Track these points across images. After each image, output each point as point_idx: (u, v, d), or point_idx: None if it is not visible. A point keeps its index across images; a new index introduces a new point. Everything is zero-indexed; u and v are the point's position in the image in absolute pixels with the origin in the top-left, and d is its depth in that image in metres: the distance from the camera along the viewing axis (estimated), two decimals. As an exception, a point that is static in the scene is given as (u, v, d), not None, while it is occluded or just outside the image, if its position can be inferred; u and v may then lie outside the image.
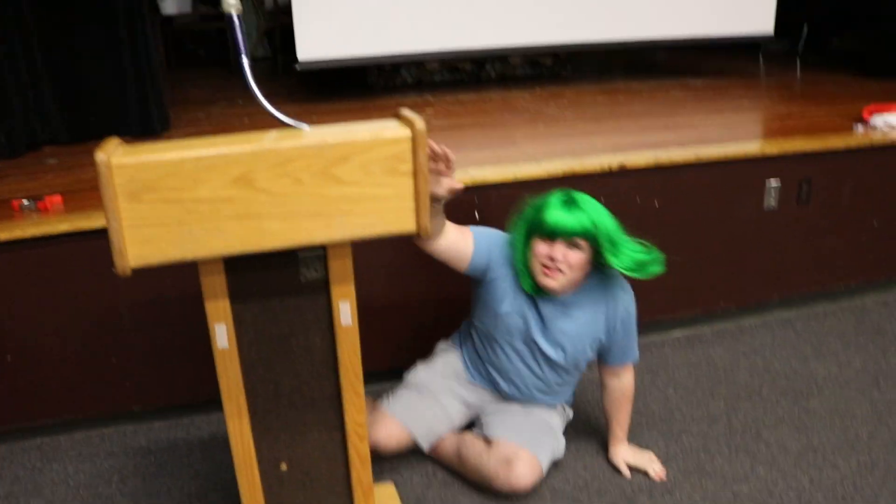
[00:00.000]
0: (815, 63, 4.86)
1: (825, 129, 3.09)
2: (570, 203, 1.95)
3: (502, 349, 2.14)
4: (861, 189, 3.04)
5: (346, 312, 1.51)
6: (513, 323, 2.09)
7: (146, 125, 3.16)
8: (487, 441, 2.11)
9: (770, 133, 3.13)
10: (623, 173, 2.62)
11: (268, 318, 1.52)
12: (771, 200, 2.90)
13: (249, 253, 1.34)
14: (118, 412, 2.46)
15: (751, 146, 2.82)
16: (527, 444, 2.07)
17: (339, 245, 1.45)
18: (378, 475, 2.18)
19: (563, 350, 2.10)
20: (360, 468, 1.67)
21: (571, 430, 2.37)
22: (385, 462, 2.24)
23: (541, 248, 1.96)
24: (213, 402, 1.58)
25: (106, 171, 1.23)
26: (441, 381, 2.25)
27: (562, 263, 1.94)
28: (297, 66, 3.71)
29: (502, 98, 3.92)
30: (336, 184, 1.32)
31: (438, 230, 1.91)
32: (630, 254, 1.97)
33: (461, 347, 2.32)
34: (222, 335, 1.49)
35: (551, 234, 1.93)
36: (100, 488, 2.18)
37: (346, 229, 1.35)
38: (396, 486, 2.12)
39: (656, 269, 1.99)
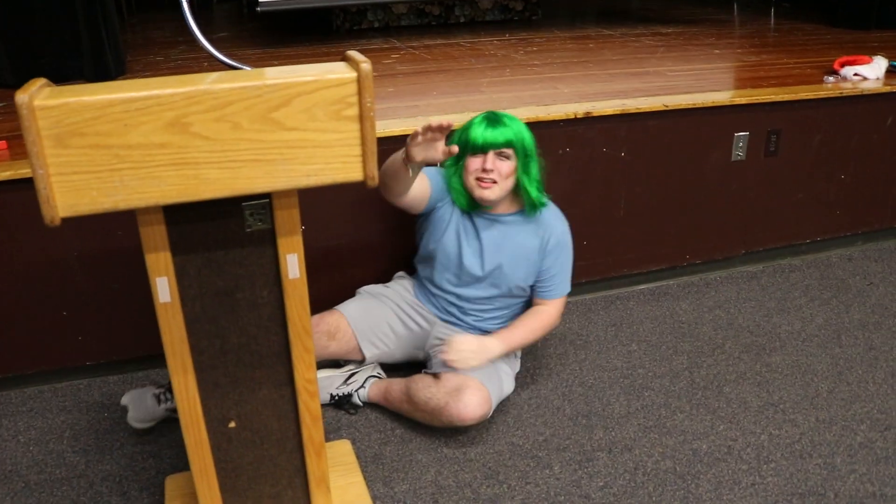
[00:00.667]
0: (790, 12, 4.80)
1: (796, 80, 3.04)
2: (494, 119, 2.09)
3: (442, 273, 2.23)
4: (830, 142, 3.01)
5: (293, 265, 1.45)
6: (449, 241, 2.19)
7: (100, 69, 3.03)
8: (436, 376, 2.09)
9: (740, 83, 3.07)
10: (589, 121, 2.56)
11: (212, 270, 1.45)
12: (739, 152, 2.86)
13: (188, 202, 1.27)
14: (70, 366, 2.39)
15: (719, 96, 2.77)
16: (475, 375, 2.06)
17: (284, 194, 1.38)
18: (335, 432, 2.15)
19: (491, 265, 2.17)
20: (311, 425, 1.63)
21: (530, 383, 2.35)
22: (343, 419, 2.20)
23: (474, 163, 2.09)
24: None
25: (28, 114, 1.14)
26: (392, 293, 2.34)
27: (494, 173, 2.07)
28: (259, 8, 3.57)
29: (470, 44, 3.82)
30: (278, 129, 1.24)
31: (409, 186, 2.01)
32: (535, 175, 2.14)
33: (414, 276, 2.41)
34: (164, 289, 1.43)
35: (482, 148, 2.07)
36: (51, 444, 2.12)
37: (289, 177, 1.28)
38: (353, 442, 2.08)
39: (543, 205, 2.18)
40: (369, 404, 2.25)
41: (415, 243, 2.36)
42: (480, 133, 2.06)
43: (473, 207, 2.16)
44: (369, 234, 2.51)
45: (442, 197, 2.18)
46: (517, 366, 2.33)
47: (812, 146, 3.00)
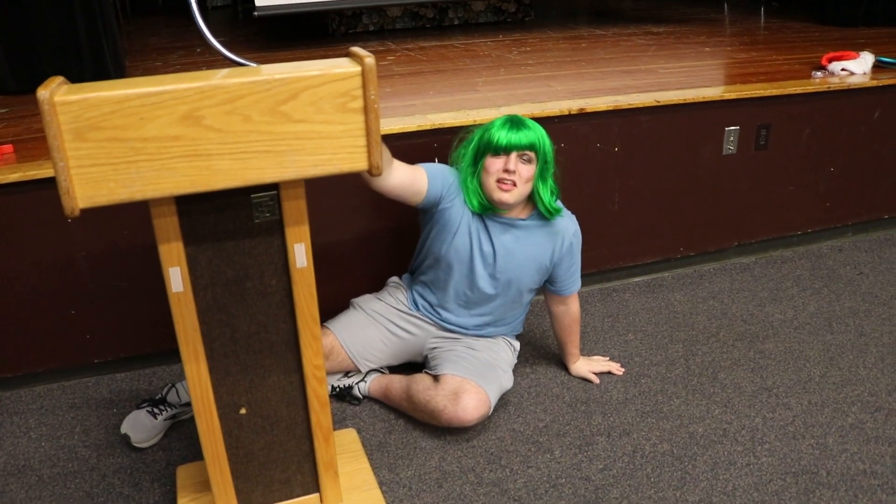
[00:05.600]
0: (778, 11, 4.87)
1: (785, 76, 3.11)
2: (517, 122, 2.09)
3: (449, 275, 2.21)
4: (818, 135, 3.08)
5: (300, 254, 1.50)
6: (462, 245, 2.16)
7: (100, 74, 3.09)
8: (435, 378, 2.14)
9: (730, 79, 3.14)
10: (582, 117, 2.62)
11: (222, 260, 1.50)
12: (729, 146, 2.92)
13: (200, 193, 1.32)
14: (79, 364, 2.43)
15: (710, 91, 2.83)
16: (473, 377, 2.10)
17: (291, 186, 1.44)
18: (340, 422, 2.20)
19: (503, 276, 2.19)
20: (320, 411, 1.68)
21: (530, 373, 2.40)
22: (347, 409, 2.25)
23: (495, 164, 2.07)
24: (174, 352, 1.56)
25: (49, 109, 1.19)
26: (384, 307, 2.32)
27: (516, 175, 2.05)
28: (256, 13, 3.63)
29: (464, 45, 3.88)
30: (286, 121, 1.30)
31: (386, 167, 1.97)
32: (550, 182, 2.14)
33: (409, 282, 2.39)
34: (177, 278, 1.48)
35: (505, 149, 2.05)
36: (62, 440, 2.17)
37: (297, 167, 1.34)
38: (359, 431, 2.13)
39: (558, 213, 2.19)
40: (369, 398, 2.30)
41: (409, 248, 2.38)
42: (504, 135, 2.04)
43: (486, 210, 2.14)
44: (364, 237, 2.56)
45: (450, 195, 2.14)
46: (517, 345, 2.38)
47: (801, 140, 3.06)
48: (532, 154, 2.06)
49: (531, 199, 2.16)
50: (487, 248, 2.17)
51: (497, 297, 2.23)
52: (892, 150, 3.27)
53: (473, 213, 2.15)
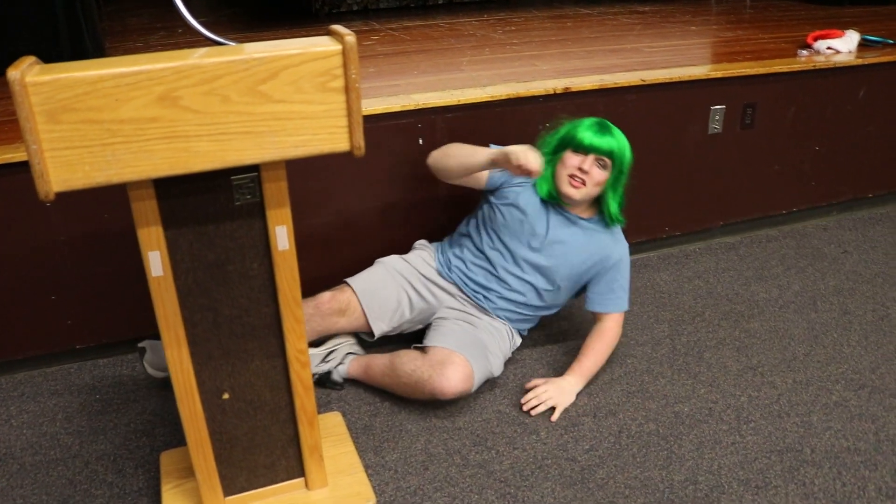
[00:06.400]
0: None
1: (771, 55, 3.10)
2: (604, 127, 2.17)
3: (495, 243, 2.27)
4: (803, 114, 3.07)
5: (282, 237, 1.48)
6: (518, 218, 2.25)
7: (79, 56, 3.03)
8: (423, 351, 2.14)
9: (716, 58, 3.12)
10: (567, 96, 2.60)
11: (203, 244, 1.48)
12: (715, 125, 2.91)
13: (178, 175, 1.30)
14: (60, 350, 2.41)
15: (696, 70, 2.82)
16: (462, 351, 2.10)
17: (272, 167, 1.42)
18: (325, 406, 2.19)
19: (545, 258, 2.23)
20: (304, 395, 1.67)
21: (516, 354, 2.40)
22: (332, 393, 2.24)
23: (573, 159, 2.16)
24: (157, 337, 1.55)
25: (20, 90, 1.16)
26: (407, 268, 2.34)
27: (588, 176, 2.14)
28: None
29: (449, 25, 3.84)
30: (265, 101, 1.27)
31: (466, 158, 2.17)
32: (620, 194, 2.24)
33: (441, 246, 2.43)
34: (156, 262, 1.46)
35: (585, 150, 2.14)
36: (44, 427, 2.14)
37: (277, 149, 1.31)
38: (344, 415, 2.12)
39: (620, 222, 2.29)
40: (349, 380, 2.29)
41: (434, 217, 2.48)
42: (589, 136, 2.13)
43: (552, 198, 2.23)
44: (388, 206, 2.55)
45: (510, 181, 2.28)
46: (518, 341, 2.36)
47: (787, 118, 3.05)
48: (609, 161, 2.15)
49: (598, 203, 2.26)
50: (542, 229, 2.23)
51: (542, 251, 2.24)
52: (877, 129, 3.27)
53: (540, 198, 2.24)
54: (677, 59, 3.01)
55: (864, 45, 3.26)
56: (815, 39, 3.21)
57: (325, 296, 2.23)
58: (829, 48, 3.15)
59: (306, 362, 1.64)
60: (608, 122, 2.20)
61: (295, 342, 1.60)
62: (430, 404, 2.17)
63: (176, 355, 1.55)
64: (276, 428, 1.71)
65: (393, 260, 2.38)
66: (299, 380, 1.65)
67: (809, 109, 3.08)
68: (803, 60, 3.03)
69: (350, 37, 1.28)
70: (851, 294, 2.77)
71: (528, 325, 2.38)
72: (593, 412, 2.15)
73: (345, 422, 2.07)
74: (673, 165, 2.93)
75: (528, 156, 1.94)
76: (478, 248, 2.30)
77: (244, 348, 1.60)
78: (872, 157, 3.33)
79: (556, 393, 2.17)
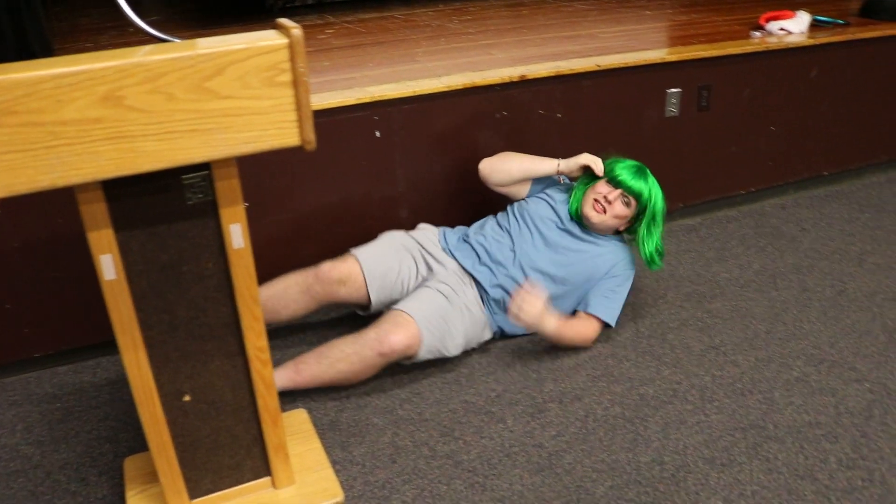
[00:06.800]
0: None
1: (724, 37, 3.12)
2: (642, 171, 2.38)
3: (524, 223, 2.41)
4: (758, 95, 3.10)
5: (237, 235, 1.46)
6: (547, 204, 2.45)
7: (25, 58, 2.94)
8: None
9: (671, 41, 3.14)
10: (524, 84, 2.60)
11: (156, 245, 1.46)
12: (672, 108, 2.93)
13: (127, 176, 1.27)
14: (18, 360, 2.36)
15: (651, 54, 2.83)
16: (417, 316, 2.12)
17: (223, 165, 1.40)
18: (290, 403, 2.17)
19: (567, 257, 2.37)
20: (266, 394, 1.65)
21: (483, 347, 2.39)
22: (298, 392, 2.22)
23: (602, 187, 2.36)
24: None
25: (-44, 94, 1.13)
26: (410, 241, 2.42)
27: (610, 206, 2.32)
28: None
29: (405, 16, 3.82)
30: (212, 98, 1.25)
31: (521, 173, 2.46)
32: (656, 238, 2.39)
33: (444, 229, 2.52)
34: (108, 266, 1.43)
35: (616, 184, 2.34)
36: (3, 439, 2.10)
37: (227, 146, 1.29)
38: (309, 412, 2.11)
39: (656, 265, 2.42)
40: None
41: (395, 211, 2.52)
42: (624, 175, 2.34)
43: (576, 216, 2.41)
44: (347, 201, 2.54)
45: (545, 187, 2.52)
46: (488, 334, 2.37)
47: (742, 100, 3.09)
48: (633, 201, 2.34)
49: (628, 240, 2.48)
50: (565, 215, 2.41)
51: (545, 261, 2.34)
52: (830, 108, 3.32)
53: (568, 211, 2.43)
54: (632, 44, 3.02)
55: (815, 26, 3.30)
56: (768, 21, 3.25)
57: (326, 265, 2.27)
58: (781, 29, 3.19)
59: (267, 360, 1.62)
60: (647, 169, 2.39)
61: (254, 340, 1.59)
62: (397, 397, 2.16)
63: (133, 359, 1.52)
64: (239, 428, 1.69)
65: (397, 234, 2.44)
66: (261, 378, 1.63)
67: (764, 90, 3.11)
68: (756, 42, 3.06)
69: (296, 30, 1.27)
70: (810, 271, 2.81)
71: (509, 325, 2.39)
72: (559, 398, 2.16)
73: (310, 418, 2.06)
74: (631, 149, 2.93)
75: (597, 160, 2.35)
76: (501, 227, 2.43)
77: (203, 349, 1.58)
78: (826, 135, 3.38)
79: (536, 315, 2.18)
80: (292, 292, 2.27)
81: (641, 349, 2.37)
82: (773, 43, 3.05)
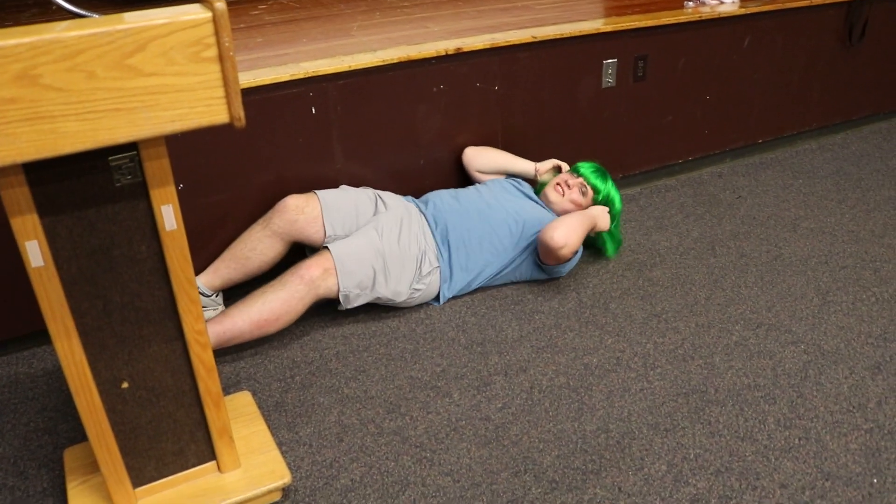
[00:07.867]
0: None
1: (659, 7, 3.14)
2: (603, 172, 2.70)
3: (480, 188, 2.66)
4: (693, 64, 3.14)
5: (169, 216, 1.43)
6: (508, 184, 2.70)
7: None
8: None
9: (606, 11, 3.15)
10: (460, 57, 2.58)
11: (84, 229, 1.41)
12: (609, 79, 2.94)
13: (49, 158, 1.23)
14: (-52, 352, 2.29)
15: (587, 25, 2.84)
16: (334, 250, 2.25)
17: (151, 144, 1.35)
18: (235, 385, 2.14)
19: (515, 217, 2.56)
20: (207, 377, 1.62)
21: (425, 318, 2.40)
22: (241, 372, 2.19)
23: (566, 175, 2.68)
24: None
25: None
26: (370, 190, 2.57)
27: (569, 190, 2.62)
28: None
29: (340, -9, 3.76)
30: (135, 75, 1.21)
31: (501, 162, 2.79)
32: (617, 232, 2.75)
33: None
34: (35, 252, 1.38)
35: (579, 174, 2.67)
36: (-65, 434, 2.04)
37: (153, 124, 1.25)
38: (254, 394, 2.09)
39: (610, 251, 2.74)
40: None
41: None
42: (586, 170, 2.67)
43: (537, 193, 2.72)
44: (285, 179, 2.48)
45: None
46: (434, 291, 2.45)
47: (677, 69, 3.12)
48: (590, 191, 2.64)
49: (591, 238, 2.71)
50: (517, 197, 2.66)
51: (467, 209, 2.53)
52: (763, 77, 3.37)
53: (534, 192, 2.72)
54: (568, 15, 3.02)
55: (746, -6, 3.35)
56: (701, -10, 3.28)
57: (286, 197, 2.40)
58: (713, -2, 3.23)
59: (206, 343, 1.59)
60: (607, 174, 2.69)
61: (192, 323, 1.55)
62: (342, 375, 2.15)
63: (66, 347, 1.48)
64: (181, 413, 1.66)
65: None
66: (200, 362, 1.60)
67: (698, 59, 3.15)
68: (690, 12, 3.09)
69: (220, 3, 1.23)
70: (747, 237, 2.87)
71: (462, 277, 2.46)
72: (504, 370, 2.17)
73: (255, 400, 2.03)
74: (569, 121, 2.95)
75: (563, 167, 2.76)
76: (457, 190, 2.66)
77: (139, 334, 1.54)
78: (759, 103, 3.44)
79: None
80: (255, 233, 2.37)
81: (584, 319, 2.39)
82: (706, 13, 3.08)
